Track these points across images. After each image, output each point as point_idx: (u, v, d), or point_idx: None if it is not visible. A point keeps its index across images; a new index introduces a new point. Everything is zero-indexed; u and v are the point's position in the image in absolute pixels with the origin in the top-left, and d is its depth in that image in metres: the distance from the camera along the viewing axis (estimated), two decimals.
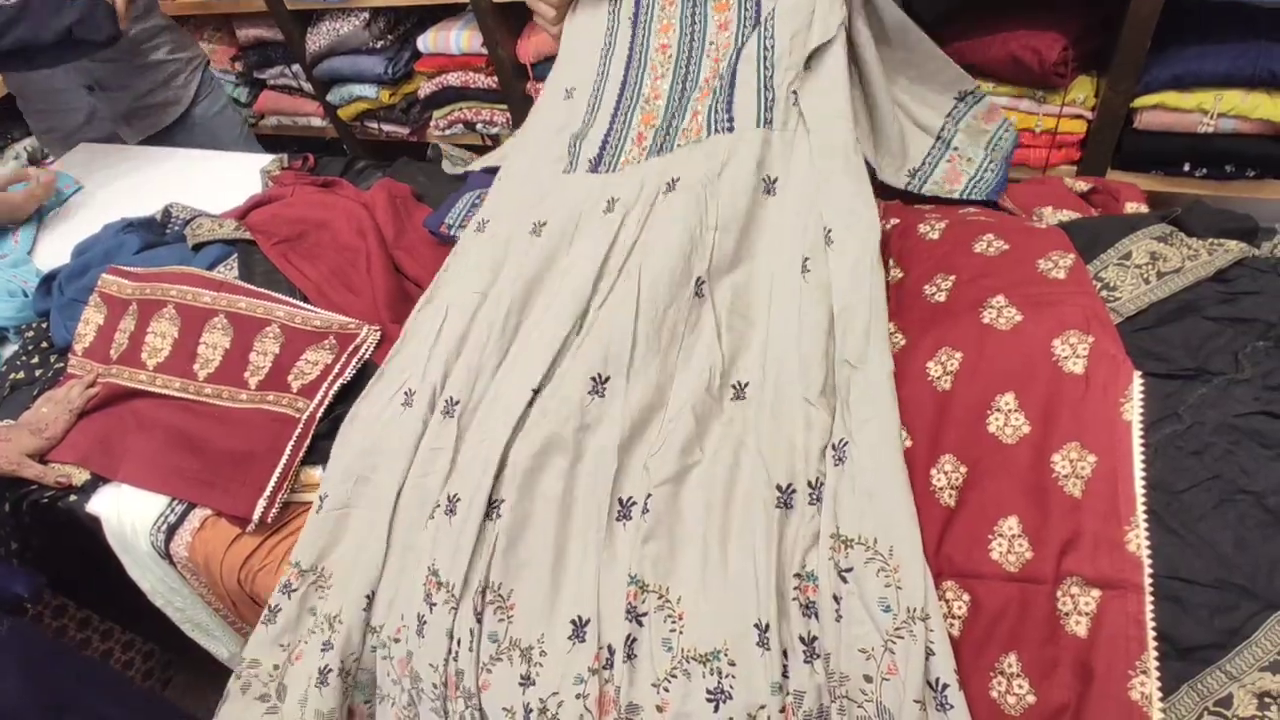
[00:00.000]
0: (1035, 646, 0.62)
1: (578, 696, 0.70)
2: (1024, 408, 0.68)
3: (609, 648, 0.71)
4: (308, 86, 2.22)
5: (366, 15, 1.96)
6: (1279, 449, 0.62)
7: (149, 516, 0.99)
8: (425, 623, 0.78)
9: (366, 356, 1.04)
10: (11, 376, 1.21)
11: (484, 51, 1.86)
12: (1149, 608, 0.59)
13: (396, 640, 0.81)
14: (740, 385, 0.83)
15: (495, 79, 1.90)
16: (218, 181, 1.53)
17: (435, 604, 0.78)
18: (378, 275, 1.14)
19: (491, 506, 0.80)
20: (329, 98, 2.17)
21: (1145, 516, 0.62)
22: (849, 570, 0.68)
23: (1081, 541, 0.63)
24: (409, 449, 0.89)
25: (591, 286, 0.89)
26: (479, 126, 2.03)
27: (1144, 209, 0.93)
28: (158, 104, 1.76)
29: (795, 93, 0.94)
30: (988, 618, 0.64)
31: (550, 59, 1.82)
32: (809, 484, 0.74)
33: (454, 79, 1.95)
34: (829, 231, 0.84)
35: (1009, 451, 0.67)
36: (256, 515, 0.93)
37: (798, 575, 0.71)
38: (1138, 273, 0.74)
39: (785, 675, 0.67)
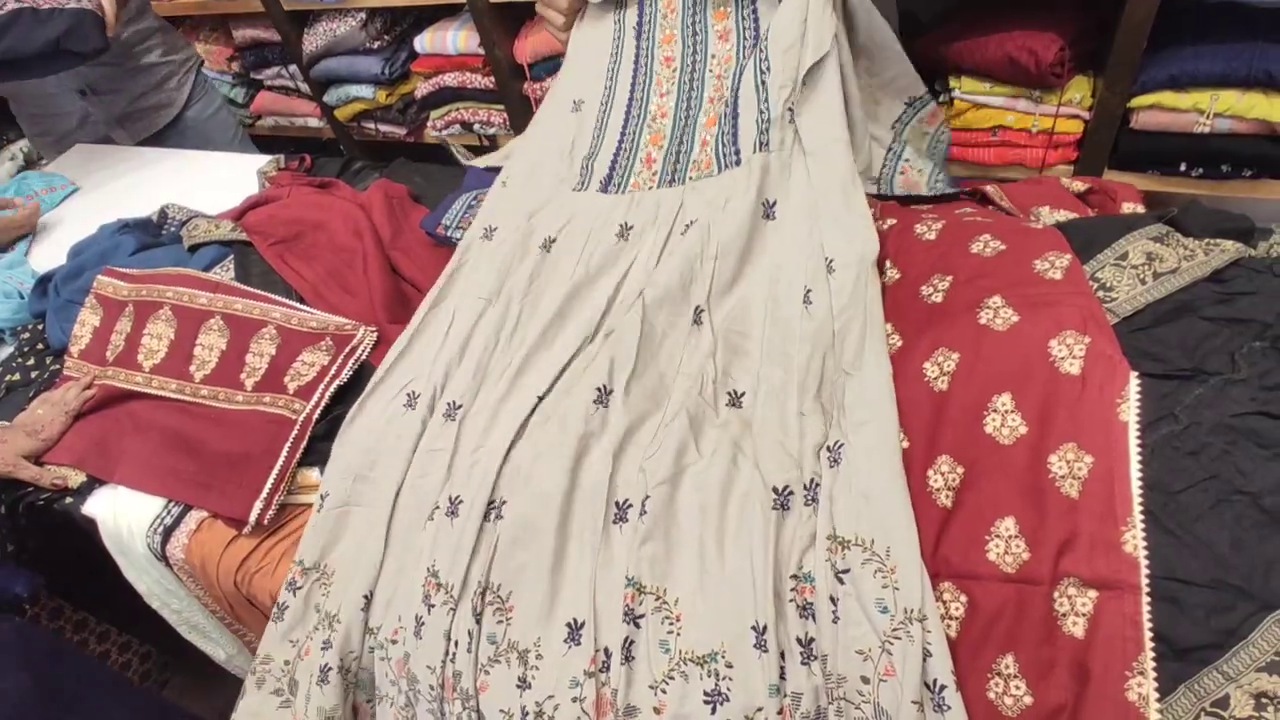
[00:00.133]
0: (1032, 647, 0.62)
1: (575, 700, 0.70)
2: (1021, 408, 0.68)
3: (606, 650, 0.71)
4: (304, 87, 2.22)
5: (363, 15, 1.95)
6: (1275, 449, 0.62)
7: (145, 518, 0.98)
8: (423, 624, 0.78)
9: (363, 358, 1.04)
10: (7, 378, 1.21)
11: (481, 52, 1.86)
12: (1146, 608, 0.59)
13: (394, 642, 0.81)
14: (736, 394, 0.84)
15: (492, 79, 1.90)
16: (214, 182, 1.53)
17: (434, 605, 0.78)
18: (374, 276, 1.14)
19: (491, 508, 0.80)
20: (326, 98, 2.17)
21: (1142, 517, 0.62)
22: (846, 571, 0.68)
23: (1078, 542, 0.63)
24: (408, 450, 0.89)
25: (601, 313, 0.92)
26: (476, 127, 2.03)
27: (1140, 209, 0.93)
28: (150, 107, 1.76)
29: (791, 109, 0.95)
30: (985, 619, 0.64)
31: (547, 59, 1.83)
32: (805, 486, 0.74)
33: (451, 79, 1.95)
34: (830, 261, 0.86)
35: (1006, 452, 0.67)
36: (253, 517, 0.93)
37: (795, 577, 0.71)
38: (1134, 273, 0.74)
39: (783, 677, 0.67)
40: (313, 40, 2.03)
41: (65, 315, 1.21)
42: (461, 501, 0.82)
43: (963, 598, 0.66)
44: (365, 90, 2.07)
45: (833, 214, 0.88)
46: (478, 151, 1.39)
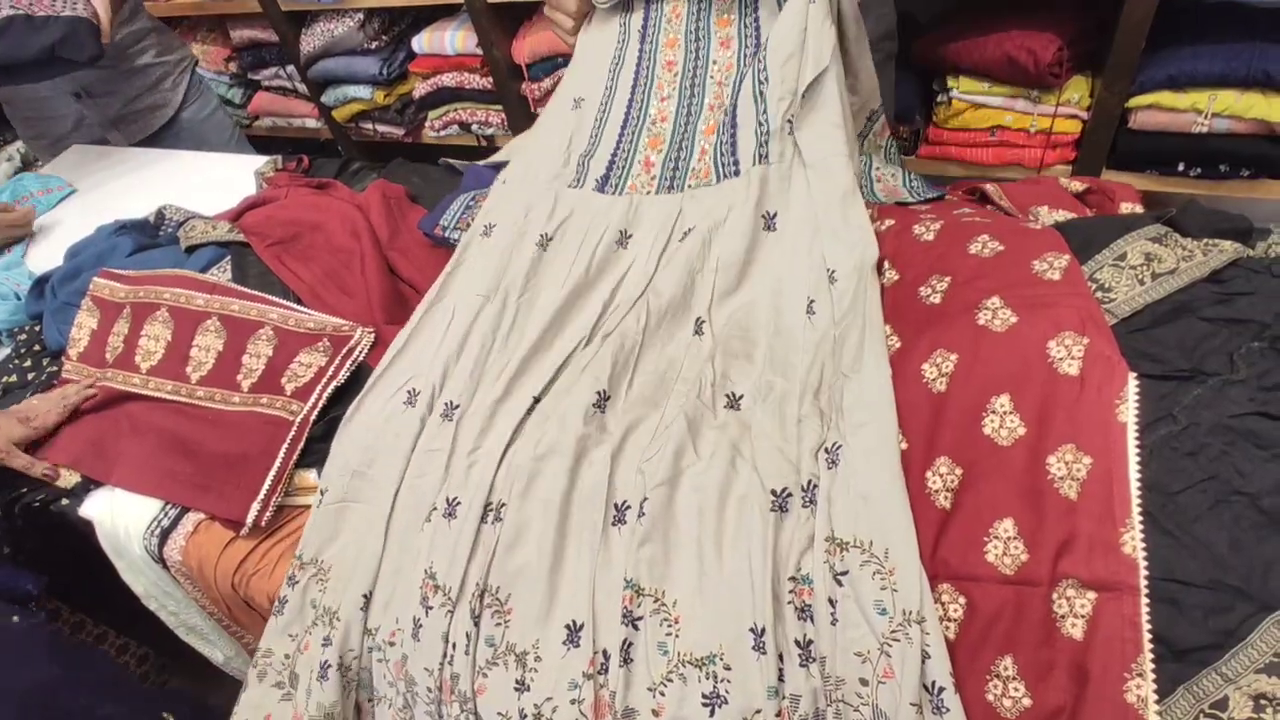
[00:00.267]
0: (1031, 649, 0.62)
1: (573, 702, 0.70)
2: (1019, 410, 0.68)
3: (604, 652, 0.71)
4: (302, 88, 2.22)
5: (361, 16, 1.95)
6: (1274, 450, 0.62)
7: (142, 520, 0.98)
8: (421, 626, 0.78)
9: (360, 359, 1.03)
10: (4, 380, 1.20)
11: (479, 52, 1.86)
12: (1144, 610, 0.59)
13: (391, 644, 0.81)
14: (734, 396, 0.84)
15: (490, 80, 1.90)
16: (211, 183, 1.52)
17: (431, 607, 0.78)
18: (372, 277, 1.14)
19: (489, 510, 0.80)
20: (323, 99, 2.17)
21: (1140, 518, 0.62)
22: (844, 573, 0.68)
23: (1077, 544, 0.62)
24: (407, 449, 0.89)
25: (598, 315, 0.92)
26: (474, 127, 2.03)
27: (1139, 209, 0.93)
28: (146, 108, 1.75)
29: (790, 121, 0.94)
30: (983, 620, 0.64)
31: (546, 59, 1.83)
32: (803, 488, 0.74)
33: (449, 80, 1.95)
34: (832, 272, 0.86)
35: (1004, 453, 0.67)
36: (250, 519, 0.93)
37: (793, 578, 0.71)
38: (1133, 274, 0.74)
39: (781, 679, 0.67)
40: (310, 41, 2.03)
41: (62, 317, 1.20)
42: (459, 503, 0.82)
43: (961, 599, 0.65)
44: (363, 91, 2.07)
45: (832, 227, 0.89)
46: (476, 154, 1.39)
